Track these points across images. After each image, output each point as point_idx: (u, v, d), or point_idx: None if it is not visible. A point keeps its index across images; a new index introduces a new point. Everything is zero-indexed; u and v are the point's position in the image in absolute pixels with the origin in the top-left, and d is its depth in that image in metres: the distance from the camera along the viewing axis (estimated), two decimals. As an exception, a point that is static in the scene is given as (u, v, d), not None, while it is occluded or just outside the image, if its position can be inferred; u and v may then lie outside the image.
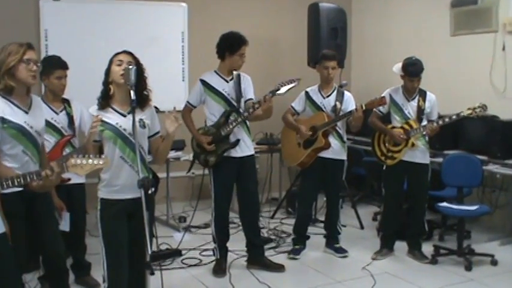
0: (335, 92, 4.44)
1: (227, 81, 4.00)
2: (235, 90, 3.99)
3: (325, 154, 4.38)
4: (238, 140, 3.99)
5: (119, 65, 2.77)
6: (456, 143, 5.28)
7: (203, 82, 4.00)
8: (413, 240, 4.53)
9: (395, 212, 4.51)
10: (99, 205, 2.85)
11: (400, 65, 4.32)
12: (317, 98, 4.43)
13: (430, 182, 4.45)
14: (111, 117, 2.80)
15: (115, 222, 2.81)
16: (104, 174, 2.83)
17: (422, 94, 4.36)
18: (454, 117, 4.13)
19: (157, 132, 2.93)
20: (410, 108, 4.34)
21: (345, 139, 4.48)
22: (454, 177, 4.57)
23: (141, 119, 2.80)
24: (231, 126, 3.94)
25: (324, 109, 4.39)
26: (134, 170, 2.75)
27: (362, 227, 5.37)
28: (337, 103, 4.36)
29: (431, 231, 4.91)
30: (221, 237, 4.13)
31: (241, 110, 3.96)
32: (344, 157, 4.47)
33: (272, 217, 5.65)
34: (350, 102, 4.40)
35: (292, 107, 4.54)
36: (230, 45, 3.93)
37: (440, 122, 4.20)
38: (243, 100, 4.01)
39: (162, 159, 2.98)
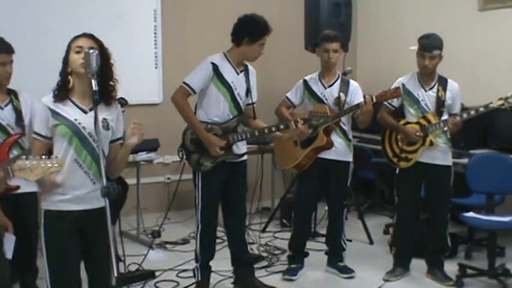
0: (338, 80, 4.44)
1: (237, 73, 4.00)
2: (244, 86, 4.02)
3: (326, 155, 4.39)
4: (244, 153, 4.09)
5: (78, 52, 2.74)
6: (485, 141, 5.30)
7: (214, 67, 3.96)
8: (433, 258, 4.53)
9: (411, 223, 4.52)
10: (42, 218, 2.81)
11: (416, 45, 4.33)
12: (317, 88, 4.42)
13: (453, 188, 4.46)
14: (70, 112, 2.78)
15: (63, 239, 2.76)
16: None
17: (443, 82, 4.36)
18: (481, 109, 4.13)
19: (120, 138, 2.91)
20: (428, 99, 4.34)
21: (350, 137, 4.48)
22: (482, 181, 4.58)
23: (105, 119, 2.79)
24: (241, 137, 3.98)
25: (325, 101, 4.39)
26: (89, 177, 2.76)
27: (371, 242, 5.40)
28: (341, 94, 4.36)
29: (455, 247, 4.93)
30: (205, 255, 4.13)
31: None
32: (349, 158, 4.47)
33: (263, 230, 5.66)
34: (357, 93, 4.40)
35: (287, 98, 4.53)
36: (252, 31, 3.90)
37: (465, 116, 4.19)
38: (245, 101, 4.04)
39: (118, 171, 2.95)
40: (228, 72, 3.97)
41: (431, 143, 4.31)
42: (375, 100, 4.10)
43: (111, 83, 2.81)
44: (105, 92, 2.77)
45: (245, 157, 4.14)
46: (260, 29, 3.91)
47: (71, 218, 2.76)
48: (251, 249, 4.66)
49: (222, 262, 4.38)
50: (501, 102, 4.07)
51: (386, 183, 5.97)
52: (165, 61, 6.05)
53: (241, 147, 4.09)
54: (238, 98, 4.00)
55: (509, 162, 4.57)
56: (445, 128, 4.29)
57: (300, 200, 4.64)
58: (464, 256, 4.92)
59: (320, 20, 5.65)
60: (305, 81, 4.49)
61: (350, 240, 5.01)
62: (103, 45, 2.80)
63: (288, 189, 5.86)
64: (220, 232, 4.69)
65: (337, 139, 4.39)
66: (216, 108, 3.97)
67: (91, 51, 2.69)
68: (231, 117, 4.00)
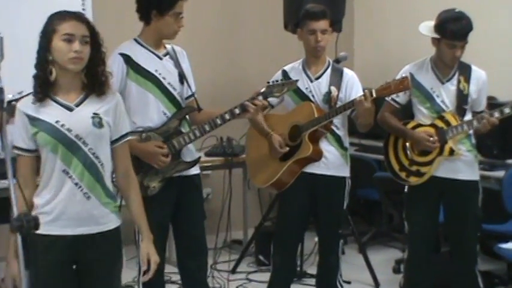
0: (329, 70, 4.44)
1: (160, 58, 4.04)
2: (175, 73, 4.03)
3: (314, 169, 4.39)
4: (199, 158, 4.12)
5: (69, 41, 2.85)
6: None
7: (125, 58, 3.97)
8: (460, 303, 4.58)
9: (427, 259, 4.54)
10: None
11: (431, 22, 4.34)
12: (301, 80, 4.40)
13: (484, 210, 4.49)
14: (50, 113, 2.91)
15: (53, 271, 2.86)
16: (37, 198, 2.94)
17: (465, 71, 4.38)
18: (519, 106, 4.19)
19: (125, 135, 3.10)
20: (446, 93, 4.37)
21: (346, 145, 4.48)
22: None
23: (95, 114, 2.94)
24: (189, 139, 3.98)
25: (311, 98, 4.40)
26: (82, 192, 2.90)
27: (377, 284, 5.43)
28: (332, 88, 4.37)
29: (490, 288, 5.00)
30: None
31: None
32: (345, 173, 4.48)
33: (233, 271, 5.69)
34: (353, 86, 4.41)
35: (259, 95, 4.53)
36: (159, 1, 3.92)
37: (497, 115, 4.20)
38: (182, 92, 4.05)
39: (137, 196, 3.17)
40: (146, 59, 3.97)
41: (452, 152, 4.32)
42: (375, 95, 4.09)
43: (103, 73, 2.99)
44: (95, 80, 2.94)
45: (197, 168, 4.15)
46: None
47: (62, 244, 2.89)
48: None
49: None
50: None
51: (396, 205, 6.00)
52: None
53: (192, 153, 4.12)
54: (171, 89, 4.00)
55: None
56: (471, 131, 4.32)
57: (281, 229, 4.65)
58: (502, 302, 5.01)
59: (304, -10, 5.69)
60: (285, 72, 4.50)
61: (349, 282, 5.04)
62: (94, 29, 2.96)
63: (265, 216, 5.88)
64: (174, 274, 4.68)
65: (328, 148, 4.38)
66: (145, 110, 3.96)
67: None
68: (169, 116, 4.00)
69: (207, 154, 5.74)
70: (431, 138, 4.33)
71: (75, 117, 2.91)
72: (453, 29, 4.20)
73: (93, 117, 2.92)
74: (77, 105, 2.94)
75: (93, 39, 2.93)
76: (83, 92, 2.98)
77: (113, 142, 3.04)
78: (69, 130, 2.88)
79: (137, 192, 3.21)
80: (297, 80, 4.15)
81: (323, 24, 4.36)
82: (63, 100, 2.93)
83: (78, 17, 2.93)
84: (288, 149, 4.37)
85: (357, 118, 4.31)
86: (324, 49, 4.42)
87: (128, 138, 3.15)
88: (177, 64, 4.07)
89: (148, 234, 3.19)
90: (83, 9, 6.01)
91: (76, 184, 2.90)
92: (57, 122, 2.88)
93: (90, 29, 2.93)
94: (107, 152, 3.01)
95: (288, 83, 4.09)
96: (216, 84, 6.38)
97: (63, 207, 2.90)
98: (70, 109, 2.92)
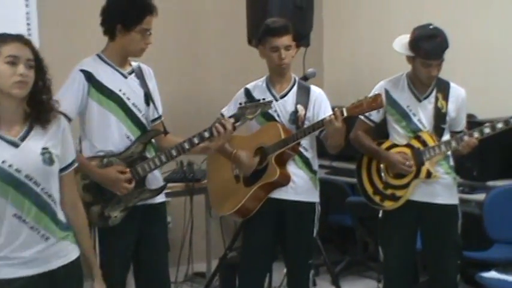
0: (295, 88, 4.45)
1: (125, 76, 4.03)
2: (140, 93, 4.02)
3: (282, 194, 4.39)
4: (165, 186, 4.11)
5: (13, 64, 2.82)
6: (508, 168, 5.38)
7: (87, 75, 3.95)
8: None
9: (404, 288, 4.55)
10: None
11: (406, 38, 4.37)
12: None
13: (464, 236, 4.50)
14: None
15: None
16: None
17: (443, 88, 4.41)
18: (499, 125, 4.20)
19: (72, 163, 3.07)
20: (423, 112, 4.40)
21: (315, 167, 4.50)
22: (507, 226, 4.68)
23: (45, 149, 2.91)
24: (154, 165, 3.96)
25: (277, 118, 4.40)
26: (40, 234, 2.89)
27: (351, 318, 5.41)
28: (299, 107, 4.38)
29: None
30: None
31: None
32: (315, 198, 4.48)
33: (196, 306, 5.64)
34: (321, 105, 4.42)
35: (222, 116, 4.48)
36: (125, 14, 3.92)
37: (477, 135, 4.23)
38: (148, 114, 4.05)
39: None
40: (110, 77, 3.96)
41: (429, 174, 4.34)
42: (346, 114, 4.09)
43: (46, 99, 2.96)
44: (39, 110, 2.91)
45: (163, 196, 4.12)
46: (135, 9, 3.92)
47: (20, 285, 2.85)
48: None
49: None
50: None
51: (371, 231, 6.02)
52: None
53: (157, 180, 4.09)
54: (135, 111, 3.99)
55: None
56: (449, 152, 4.34)
57: (246, 259, 4.63)
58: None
59: (268, 1, 5.69)
60: (247, 91, 4.51)
61: (321, 316, 5.03)
62: (38, 54, 2.94)
63: (229, 246, 5.86)
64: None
65: (296, 171, 4.39)
66: (107, 133, 3.94)
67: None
68: (133, 140, 3.98)
69: (167, 180, 5.64)
70: (407, 162, 4.35)
71: (22, 154, 2.85)
72: (427, 48, 4.23)
73: (43, 154, 2.88)
74: (22, 140, 2.89)
75: (38, 65, 2.91)
76: (26, 123, 2.94)
77: (59, 171, 3.01)
78: (18, 171, 2.83)
79: (86, 225, 3.20)
80: (271, 101, 4.15)
81: (286, 40, 4.37)
82: (6, 135, 2.87)
83: (21, 39, 2.90)
84: (257, 160, 4.35)
85: (326, 139, 4.32)
86: (288, 66, 4.43)
87: (75, 165, 3.12)
88: (143, 84, 4.07)
89: (98, 270, 3.20)
90: (28, 30, 5.99)
91: (32, 228, 2.87)
92: (3, 162, 2.81)
93: (34, 53, 2.91)
94: (57, 186, 2.99)
95: (262, 103, 4.09)
96: (175, 102, 6.34)
97: (21, 252, 2.86)
98: (15, 145, 2.87)
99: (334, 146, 4.32)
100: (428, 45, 4.23)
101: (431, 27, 4.31)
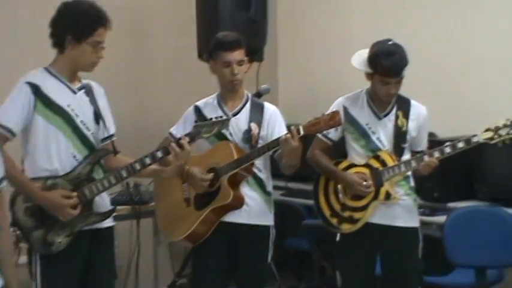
0: (248, 105, 4.47)
1: (74, 92, 4.00)
2: (90, 111, 4.00)
3: (235, 217, 4.39)
4: (114, 209, 4.09)
5: None
6: (470, 190, 5.42)
7: (33, 88, 3.90)
8: None
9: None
10: None
11: (365, 53, 4.40)
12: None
13: (425, 261, 4.52)
14: None
15: None
16: None
17: (404, 105, 4.45)
18: (461, 144, 4.23)
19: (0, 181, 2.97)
20: (382, 130, 4.43)
21: (269, 189, 4.50)
22: (468, 250, 4.70)
23: None
24: (103, 187, 3.92)
25: (229, 137, 4.40)
26: None
27: None
28: (253, 125, 4.40)
29: None
30: None
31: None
32: (269, 221, 4.49)
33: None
34: (275, 123, 4.44)
35: (171, 135, 4.51)
36: (76, 26, 3.89)
37: (437, 154, 4.26)
38: (97, 132, 4.02)
39: None
40: (58, 91, 3.93)
41: (388, 196, 4.37)
42: (302, 132, 4.10)
43: None
44: None
45: (111, 220, 4.10)
46: (87, 19, 3.91)
47: None
48: None
49: None
50: (489, 134, 4.18)
51: (328, 256, 6.01)
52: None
53: (105, 203, 4.06)
54: (83, 129, 3.96)
55: (507, 219, 4.69)
56: (409, 173, 4.37)
57: (198, 287, 4.62)
58: None
59: (219, 14, 5.75)
60: (197, 109, 4.53)
61: None
62: None
63: (179, 272, 5.84)
64: None
65: (249, 193, 4.40)
66: (52, 151, 3.90)
67: None
68: (80, 160, 3.94)
69: (112, 202, 5.62)
70: (364, 183, 4.36)
71: None
72: (385, 65, 4.26)
73: None
74: None
75: None
76: None
77: None
78: None
79: (11, 251, 3.15)
80: (228, 119, 4.15)
81: (238, 54, 4.39)
82: None
83: None
84: (212, 176, 4.33)
85: (281, 159, 4.33)
86: (241, 82, 4.45)
87: (3, 185, 3.02)
88: (93, 101, 4.04)
89: None
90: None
91: None
92: None
93: None
94: None
95: (220, 122, 4.08)
96: (122, 120, 6.28)
97: None
98: None
99: (289, 166, 4.34)
100: (387, 62, 4.25)
101: (390, 43, 4.34)
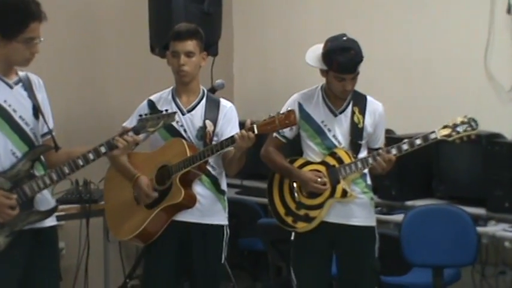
0: (203, 101, 4.47)
1: (10, 87, 3.93)
2: (28, 105, 3.93)
3: (187, 216, 4.39)
4: (56, 207, 4.00)
5: None
6: (427, 188, 5.47)
7: None
8: None
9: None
10: None
11: (318, 49, 4.41)
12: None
13: (382, 260, 4.54)
14: None
15: None
16: None
17: (360, 101, 4.47)
18: (418, 141, 4.25)
19: None
20: (338, 127, 4.45)
21: (223, 187, 4.51)
22: (425, 249, 4.74)
23: None
24: (44, 184, 3.86)
25: (183, 133, 4.41)
26: None
27: None
28: (208, 122, 4.40)
29: None
30: None
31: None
32: (223, 220, 4.49)
33: None
34: (231, 121, 4.46)
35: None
36: (4, 24, 3.81)
37: (394, 151, 4.28)
38: (36, 128, 3.95)
39: None
40: None
41: (344, 193, 4.37)
42: (256, 131, 4.11)
43: None
44: None
45: (54, 219, 4.04)
46: (16, 16, 3.82)
47: None
48: None
49: None
50: (447, 131, 4.21)
51: (284, 256, 6.01)
52: None
53: (47, 200, 4.00)
54: (22, 125, 3.88)
55: (465, 218, 4.72)
56: (366, 170, 4.39)
57: (149, 287, 4.61)
58: None
59: (173, 7, 5.72)
60: (151, 103, 4.51)
61: None
62: None
63: (130, 273, 5.81)
64: None
65: (202, 191, 4.40)
66: None
67: None
68: (19, 156, 3.88)
69: (60, 201, 5.53)
70: (319, 179, 4.37)
71: None
72: (340, 61, 4.28)
73: None
74: None
75: None
76: None
77: None
78: None
79: None
80: (175, 113, 4.10)
81: (189, 45, 4.39)
82: None
83: None
84: (157, 194, 4.32)
85: (225, 157, 4.35)
86: (189, 74, 4.43)
87: None
88: (32, 95, 3.94)
89: None
90: None
91: None
92: None
93: None
94: None
95: (165, 115, 4.02)
96: (71, 115, 6.26)
97: None
98: None
99: (235, 168, 4.38)
100: (342, 58, 4.27)
101: (344, 38, 4.36)
